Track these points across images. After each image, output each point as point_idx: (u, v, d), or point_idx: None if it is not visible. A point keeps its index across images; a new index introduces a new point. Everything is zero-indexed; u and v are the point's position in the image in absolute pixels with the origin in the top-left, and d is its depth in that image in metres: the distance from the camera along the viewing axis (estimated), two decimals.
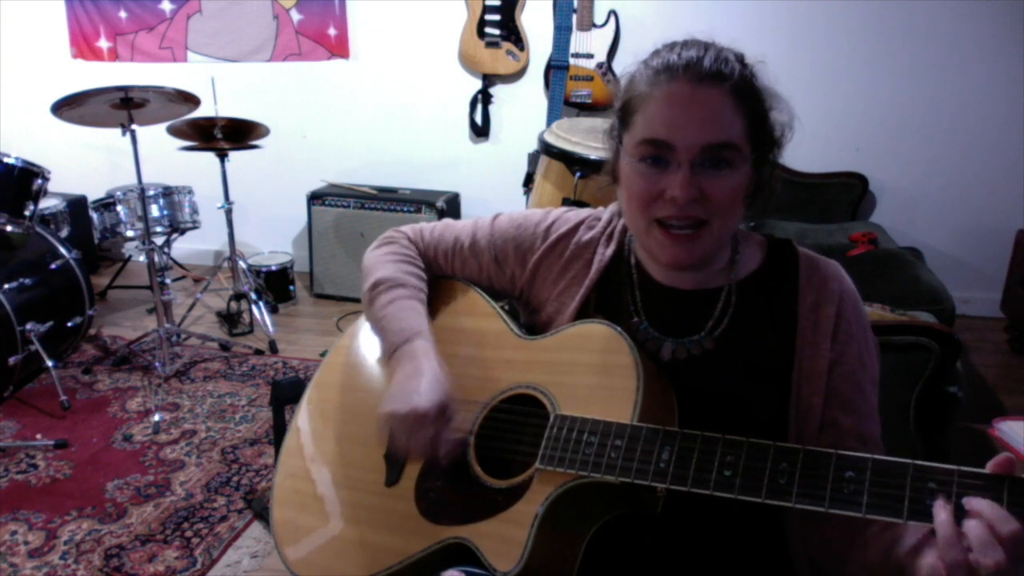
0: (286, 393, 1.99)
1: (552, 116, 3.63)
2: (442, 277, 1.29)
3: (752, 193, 1.02)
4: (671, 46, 1.01)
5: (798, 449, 0.84)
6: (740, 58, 1.00)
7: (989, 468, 0.74)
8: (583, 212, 1.22)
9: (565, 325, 1.10)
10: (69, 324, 3.03)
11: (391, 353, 1.16)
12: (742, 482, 0.85)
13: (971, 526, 0.72)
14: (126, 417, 2.82)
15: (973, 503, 0.73)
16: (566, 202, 2.49)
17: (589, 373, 1.03)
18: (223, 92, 3.43)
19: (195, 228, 3.69)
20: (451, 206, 3.93)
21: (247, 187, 4.10)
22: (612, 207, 1.19)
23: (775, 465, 0.84)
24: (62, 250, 3.09)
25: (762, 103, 1.00)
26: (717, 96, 0.95)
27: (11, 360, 2.74)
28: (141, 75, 4.11)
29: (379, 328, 1.21)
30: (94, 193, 3.86)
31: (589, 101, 3.68)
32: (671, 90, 0.96)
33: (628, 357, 0.99)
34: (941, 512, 0.73)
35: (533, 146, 2.79)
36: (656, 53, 1.02)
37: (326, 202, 3.89)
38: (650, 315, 1.10)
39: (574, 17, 3.61)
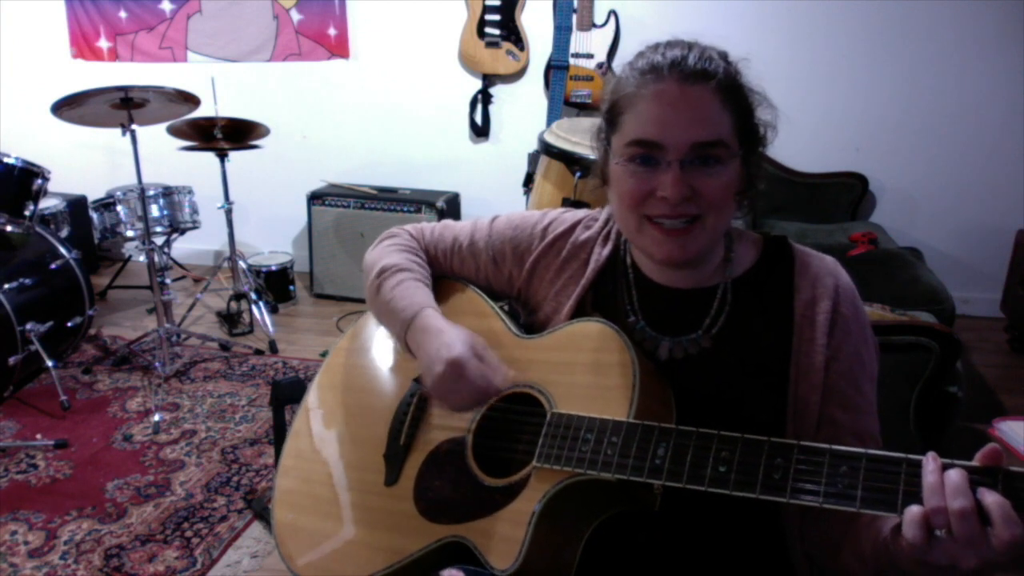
0: (286, 393, 1.99)
1: (552, 116, 3.63)
2: (441, 277, 1.29)
3: (742, 189, 1.03)
4: (655, 47, 1.01)
5: (792, 444, 0.84)
6: (724, 56, 1.01)
7: (977, 459, 0.76)
8: (580, 212, 1.22)
9: (562, 324, 1.10)
10: (69, 324, 3.03)
11: (404, 329, 1.15)
12: (737, 478, 0.85)
13: (951, 473, 0.74)
14: (126, 417, 2.82)
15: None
16: (566, 202, 2.49)
17: (586, 371, 1.03)
18: (223, 92, 3.44)
19: (195, 228, 3.69)
20: (451, 206, 3.92)
21: (247, 187, 4.11)
22: (609, 208, 1.19)
23: (770, 460, 0.84)
24: (62, 250, 3.09)
25: (748, 99, 1.01)
26: (704, 94, 0.96)
27: (11, 360, 2.74)
28: (141, 75, 4.11)
29: (387, 311, 1.19)
30: (94, 193, 3.86)
31: (589, 101, 3.67)
32: (658, 89, 0.97)
33: (624, 355, 0.99)
34: (931, 463, 0.76)
35: (533, 146, 2.78)
36: (640, 55, 1.02)
37: (326, 202, 3.89)
38: (647, 314, 1.10)
39: (574, 17, 3.61)
